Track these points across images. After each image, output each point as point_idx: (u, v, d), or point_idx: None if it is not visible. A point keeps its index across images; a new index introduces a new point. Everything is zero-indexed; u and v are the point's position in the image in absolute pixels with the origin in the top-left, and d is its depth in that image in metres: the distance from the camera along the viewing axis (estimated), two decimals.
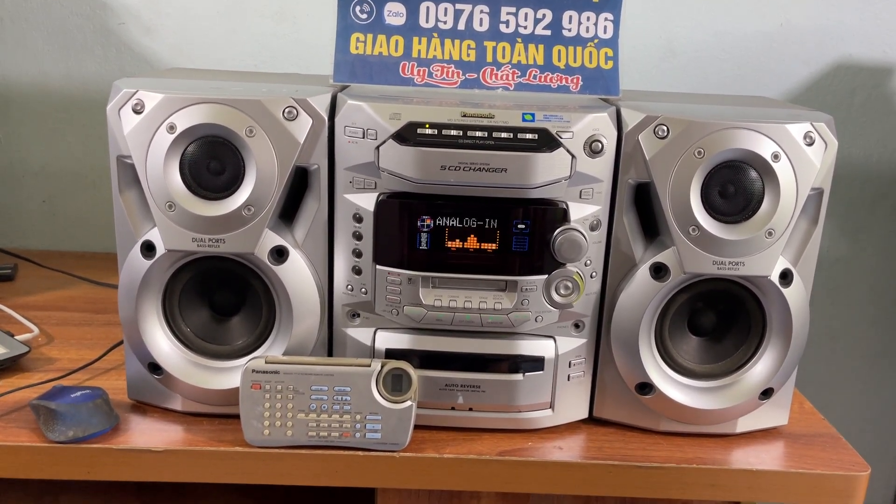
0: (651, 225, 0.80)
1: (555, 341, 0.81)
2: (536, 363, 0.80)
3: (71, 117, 1.27)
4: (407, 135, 0.73)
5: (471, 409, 0.81)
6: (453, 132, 0.73)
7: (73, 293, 1.12)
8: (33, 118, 1.27)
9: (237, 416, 0.76)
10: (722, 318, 0.82)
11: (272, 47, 1.25)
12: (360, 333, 0.81)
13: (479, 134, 0.73)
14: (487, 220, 0.76)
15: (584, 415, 0.85)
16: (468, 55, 0.85)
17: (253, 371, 0.75)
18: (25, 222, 1.31)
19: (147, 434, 0.79)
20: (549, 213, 0.76)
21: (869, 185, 1.35)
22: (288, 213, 0.79)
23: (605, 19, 0.86)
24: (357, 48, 0.85)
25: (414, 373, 0.76)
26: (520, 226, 0.76)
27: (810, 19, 1.27)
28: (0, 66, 1.24)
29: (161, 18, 1.23)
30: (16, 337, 0.92)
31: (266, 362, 0.76)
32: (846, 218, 1.36)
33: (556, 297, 0.78)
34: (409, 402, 0.76)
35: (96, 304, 1.08)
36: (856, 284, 1.39)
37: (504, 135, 0.73)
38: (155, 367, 0.80)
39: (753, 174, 0.75)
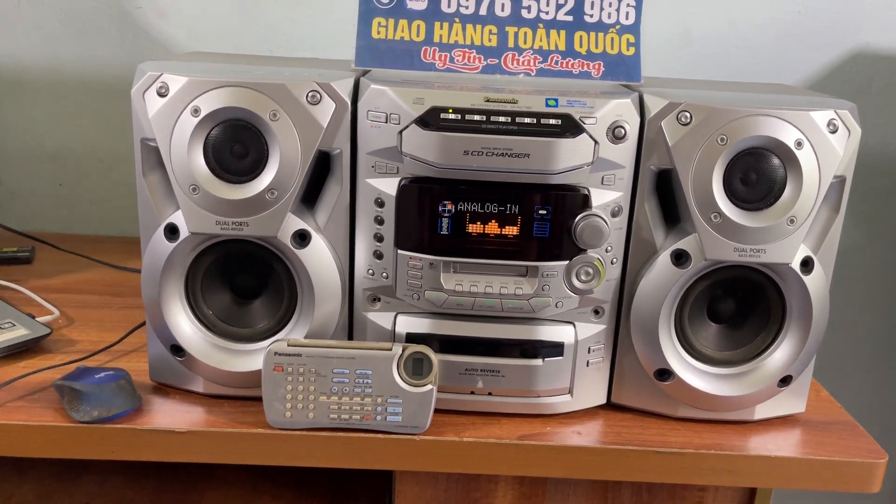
0: (672, 212, 0.80)
1: (574, 327, 0.81)
2: (556, 349, 0.80)
3: (87, 101, 1.27)
4: (430, 119, 0.73)
5: (490, 394, 0.82)
6: (476, 117, 0.73)
7: (91, 276, 1.12)
8: (49, 101, 1.27)
9: (259, 399, 0.77)
10: (742, 306, 0.83)
11: (287, 32, 1.25)
12: (380, 318, 0.81)
13: (502, 119, 0.73)
14: (509, 205, 0.76)
15: (603, 400, 0.85)
16: (490, 40, 0.85)
17: (275, 354, 0.76)
18: (42, 205, 1.31)
19: (169, 415, 0.79)
20: (571, 199, 0.76)
21: (885, 174, 1.34)
22: (310, 197, 0.80)
23: (627, 5, 0.85)
24: (378, 33, 0.85)
25: (435, 357, 0.77)
26: (541, 211, 0.76)
27: (827, 6, 1.26)
28: (16, 49, 1.24)
29: (177, 2, 1.23)
30: (37, 319, 0.92)
31: (288, 345, 0.76)
32: (861, 207, 1.36)
33: (576, 283, 0.78)
34: (429, 386, 0.77)
35: (114, 288, 1.08)
36: (870, 273, 1.39)
37: (527, 120, 0.73)
38: (177, 349, 0.81)
39: (776, 161, 0.75)
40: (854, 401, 1.44)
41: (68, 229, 1.32)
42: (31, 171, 1.30)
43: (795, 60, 1.29)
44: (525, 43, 0.85)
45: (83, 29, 1.24)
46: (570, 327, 0.81)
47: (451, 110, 0.74)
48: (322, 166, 0.79)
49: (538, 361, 0.80)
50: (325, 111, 0.75)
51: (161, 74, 0.74)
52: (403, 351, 0.77)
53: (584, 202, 0.76)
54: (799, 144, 0.74)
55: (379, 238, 0.79)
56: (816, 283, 0.79)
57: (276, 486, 0.99)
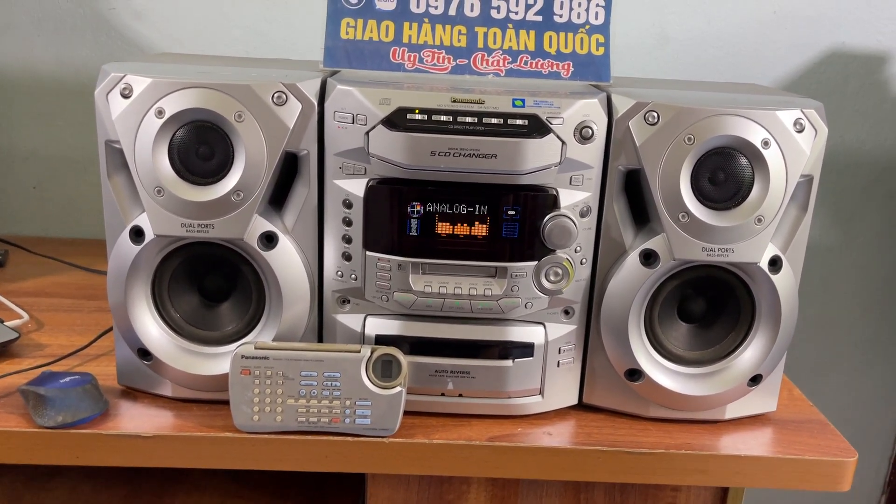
0: (641, 211, 0.80)
1: (544, 328, 0.81)
2: (526, 349, 0.80)
3: (61, 102, 1.26)
4: (397, 120, 0.73)
5: (460, 395, 0.81)
6: (443, 118, 0.73)
7: (64, 279, 1.11)
8: (23, 103, 1.26)
9: (227, 402, 0.76)
10: (711, 305, 0.83)
11: (264, 33, 1.25)
12: (349, 319, 0.81)
13: (469, 119, 0.73)
14: (477, 206, 0.76)
15: (574, 401, 0.85)
16: (459, 41, 0.85)
17: (242, 357, 0.75)
18: (16, 208, 1.30)
19: (136, 419, 0.79)
20: (539, 200, 0.76)
21: (861, 173, 1.35)
22: (277, 198, 0.79)
23: (597, 5, 0.85)
24: (347, 33, 0.84)
25: (404, 359, 0.76)
26: (510, 212, 0.76)
27: (803, 7, 1.27)
28: None
29: (152, 3, 1.22)
30: (5, 323, 0.91)
31: (256, 348, 0.76)
32: (838, 206, 1.36)
33: (545, 284, 0.78)
34: (398, 388, 0.76)
35: (87, 291, 1.07)
36: (847, 272, 1.40)
37: (494, 120, 0.73)
38: (144, 353, 0.80)
39: (743, 161, 0.75)
40: (833, 400, 1.45)
41: (43, 232, 1.31)
42: (4, 173, 1.29)
43: (771, 60, 1.29)
44: (494, 43, 0.85)
45: (57, 30, 1.23)
46: (541, 328, 0.81)
47: (417, 111, 0.73)
48: (289, 167, 0.78)
49: (508, 362, 0.80)
50: (291, 112, 0.74)
51: (124, 76, 0.73)
52: (372, 353, 0.76)
53: (553, 203, 0.76)
54: (766, 144, 0.74)
55: (347, 240, 0.78)
56: (785, 282, 0.79)
57: (250, 490, 0.98)
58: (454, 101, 0.74)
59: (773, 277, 0.78)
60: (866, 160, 1.34)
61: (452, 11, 0.85)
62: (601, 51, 0.85)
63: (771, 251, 0.78)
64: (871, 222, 1.37)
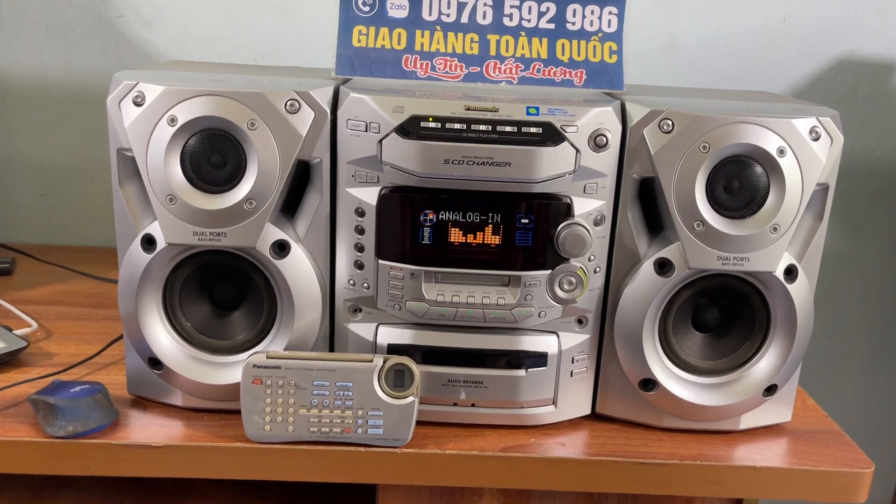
0: (655, 220, 0.79)
1: (558, 337, 0.80)
2: (539, 359, 0.80)
3: (70, 110, 1.26)
4: (410, 128, 0.73)
5: (473, 405, 0.81)
6: (457, 126, 0.73)
7: (72, 288, 1.11)
8: (32, 111, 1.26)
9: (238, 412, 0.76)
10: (726, 314, 0.82)
11: (273, 40, 1.25)
12: (361, 328, 0.80)
13: (483, 128, 0.73)
14: (491, 214, 0.75)
15: (587, 411, 0.84)
16: (471, 48, 0.85)
17: (254, 366, 0.75)
18: (23, 216, 1.30)
19: (147, 429, 0.78)
20: (553, 208, 0.75)
21: (870, 181, 1.34)
22: (290, 206, 0.79)
23: (610, 13, 0.85)
24: (359, 41, 0.84)
25: (416, 368, 0.76)
26: (523, 220, 0.75)
27: (813, 14, 1.26)
28: None
29: (161, 11, 1.22)
30: (14, 331, 0.91)
31: (267, 357, 0.75)
32: (847, 214, 1.36)
33: (559, 293, 0.77)
34: (411, 398, 0.76)
35: (95, 299, 1.07)
36: (856, 280, 1.39)
37: (508, 128, 0.73)
38: (155, 362, 0.79)
39: (759, 169, 0.75)
40: (842, 409, 1.44)
41: (50, 240, 1.30)
42: (12, 181, 1.29)
43: (781, 67, 1.29)
44: (507, 51, 0.85)
45: (66, 38, 1.23)
46: (554, 337, 0.80)
47: (431, 119, 0.73)
48: (302, 176, 0.78)
49: (521, 372, 0.80)
50: (304, 120, 0.74)
51: (137, 83, 0.73)
52: (384, 363, 0.76)
53: (567, 211, 0.76)
54: (781, 152, 0.74)
55: (359, 248, 0.78)
56: (800, 291, 0.78)
57: (260, 500, 0.97)
58: (468, 109, 0.74)
59: (789, 286, 0.77)
60: (876, 168, 1.34)
61: (465, 19, 0.85)
62: (614, 59, 0.85)
63: (786, 260, 0.77)
64: (881, 230, 1.37)
